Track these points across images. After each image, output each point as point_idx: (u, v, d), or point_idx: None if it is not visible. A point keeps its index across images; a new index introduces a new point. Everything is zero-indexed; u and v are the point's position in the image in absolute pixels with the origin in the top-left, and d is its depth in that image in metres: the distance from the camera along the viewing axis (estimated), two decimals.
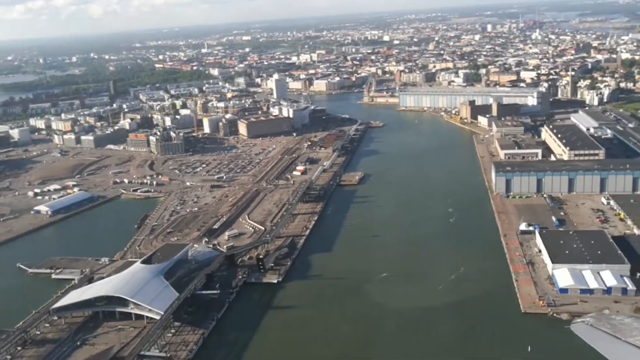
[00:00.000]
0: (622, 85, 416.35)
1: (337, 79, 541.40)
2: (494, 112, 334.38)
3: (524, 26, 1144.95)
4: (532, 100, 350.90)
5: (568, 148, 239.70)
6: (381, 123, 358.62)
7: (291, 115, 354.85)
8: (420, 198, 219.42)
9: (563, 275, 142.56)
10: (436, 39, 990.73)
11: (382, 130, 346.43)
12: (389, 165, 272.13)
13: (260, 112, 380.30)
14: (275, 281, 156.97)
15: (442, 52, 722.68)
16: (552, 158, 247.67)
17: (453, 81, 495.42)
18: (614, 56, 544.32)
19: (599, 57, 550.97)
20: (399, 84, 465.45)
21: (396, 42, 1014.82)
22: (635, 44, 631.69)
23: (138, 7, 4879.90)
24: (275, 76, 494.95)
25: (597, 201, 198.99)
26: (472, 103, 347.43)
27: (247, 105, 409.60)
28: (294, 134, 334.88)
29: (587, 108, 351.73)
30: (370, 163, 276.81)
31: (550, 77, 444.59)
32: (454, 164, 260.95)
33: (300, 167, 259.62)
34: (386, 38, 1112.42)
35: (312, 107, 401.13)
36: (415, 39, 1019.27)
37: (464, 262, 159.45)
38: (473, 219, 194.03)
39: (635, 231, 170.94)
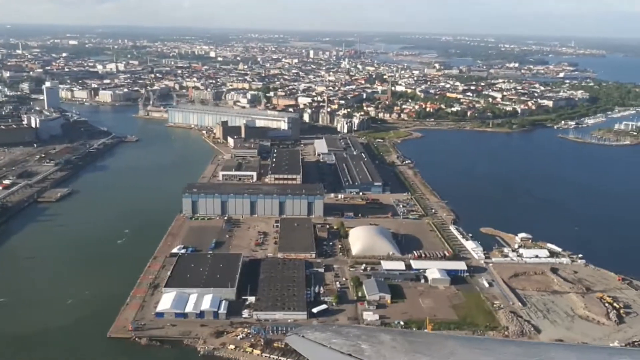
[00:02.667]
0: (382, 115, 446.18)
1: (125, 90, 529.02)
2: (243, 133, 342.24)
3: (343, 54, 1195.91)
4: (283, 125, 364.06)
5: (270, 172, 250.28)
6: (135, 138, 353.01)
7: (38, 126, 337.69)
8: (110, 218, 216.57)
9: (167, 299, 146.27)
10: (259, 59, 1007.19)
11: (132, 146, 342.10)
12: (109, 182, 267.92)
13: (10, 121, 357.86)
14: None
15: (248, 72, 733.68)
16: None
17: (239, 101, 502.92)
18: (393, 88, 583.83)
19: (380, 88, 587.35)
20: (176, 100, 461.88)
21: (220, 58, 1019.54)
22: (415, 78, 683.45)
23: None
24: (47, 84, 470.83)
25: (270, 224, 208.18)
26: (224, 124, 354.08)
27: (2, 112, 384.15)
28: (35, 145, 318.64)
29: (337, 134, 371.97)
30: (92, 179, 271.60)
31: (321, 104, 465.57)
32: (172, 183, 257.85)
33: (6, 182, 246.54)
34: (212, 54, 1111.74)
35: (75, 118, 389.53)
36: (238, 58, 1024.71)
37: (94, 286, 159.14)
38: (142, 241, 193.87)
39: (279, 254, 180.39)
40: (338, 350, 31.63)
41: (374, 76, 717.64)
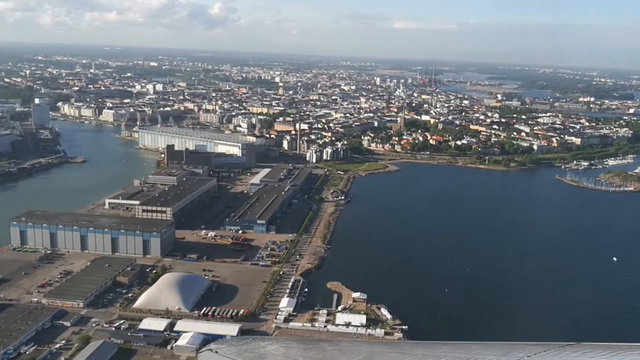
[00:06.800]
0: (374, 146, 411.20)
1: (131, 110, 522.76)
2: (184, 158, 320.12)
3: (412, 82, 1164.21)
4: (238, 151, 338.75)
5: (140, 203, 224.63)
6: (82, 159, 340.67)
7: None
8: None
9: None
10: (318, 85, 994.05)
11: (73, 167, 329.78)
12: None
13: None
14: None
15: (280, 97, 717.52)
16: None
17: (239, 126, 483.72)
18: (417, 117, 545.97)
19: (407, 116, 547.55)
20: (160, 122, 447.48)
21: (281, 84, 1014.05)
22: (449, 106, 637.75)
23: (90, 21, 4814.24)
24: (37, 101, 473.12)
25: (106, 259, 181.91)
26: (169, 147, 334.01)
27: None
28: None
29: (303, 164, 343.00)
30: None
31: (313, 131, 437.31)
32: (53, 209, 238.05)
33: None
34: (277, 79, 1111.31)
35: (44, 135, 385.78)
36: (299, 83, 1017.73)
37: None
38: None
39: (44, 300, 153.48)
40: None
41: (413, 104, 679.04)
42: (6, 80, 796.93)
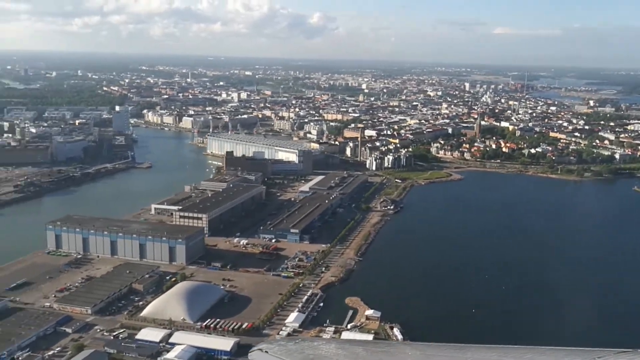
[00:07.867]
0: (442, 153, 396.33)
1: (209, 117, 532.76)
2: (242, 165, 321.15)
3: (503, 87, 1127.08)
4: (295, 158, 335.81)
5: (179, 209, 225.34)
6: (148, 164, 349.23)
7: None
8: None
9: None
10: (404, 91, 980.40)
11: (138, 172, 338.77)
12: (37, 208, 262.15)
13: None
14: None
15: (358, 103, 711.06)
16: None
17: (309, 132, 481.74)
18: (496, 124, 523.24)
19: (484, 123, 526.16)
20: (230, 129, 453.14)
21: (366, 90, 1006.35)
22: (532, 112, 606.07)
23: (197, 32, 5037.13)
24: (117, 108, 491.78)
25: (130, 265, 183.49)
26: (229, 154, 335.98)
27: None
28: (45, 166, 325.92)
29: (359, 172, 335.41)
30: (32, 204, 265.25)
31: (380, 138, 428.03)
32: (104, 214, 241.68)
33: None
34: (363, 86, 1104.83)
35: (118, 141, 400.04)
36: (385, 90, 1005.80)
37: None
38: None
39: (55, 305, 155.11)
40: None
41: (496, 110, 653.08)
42: (104, 88, 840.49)
